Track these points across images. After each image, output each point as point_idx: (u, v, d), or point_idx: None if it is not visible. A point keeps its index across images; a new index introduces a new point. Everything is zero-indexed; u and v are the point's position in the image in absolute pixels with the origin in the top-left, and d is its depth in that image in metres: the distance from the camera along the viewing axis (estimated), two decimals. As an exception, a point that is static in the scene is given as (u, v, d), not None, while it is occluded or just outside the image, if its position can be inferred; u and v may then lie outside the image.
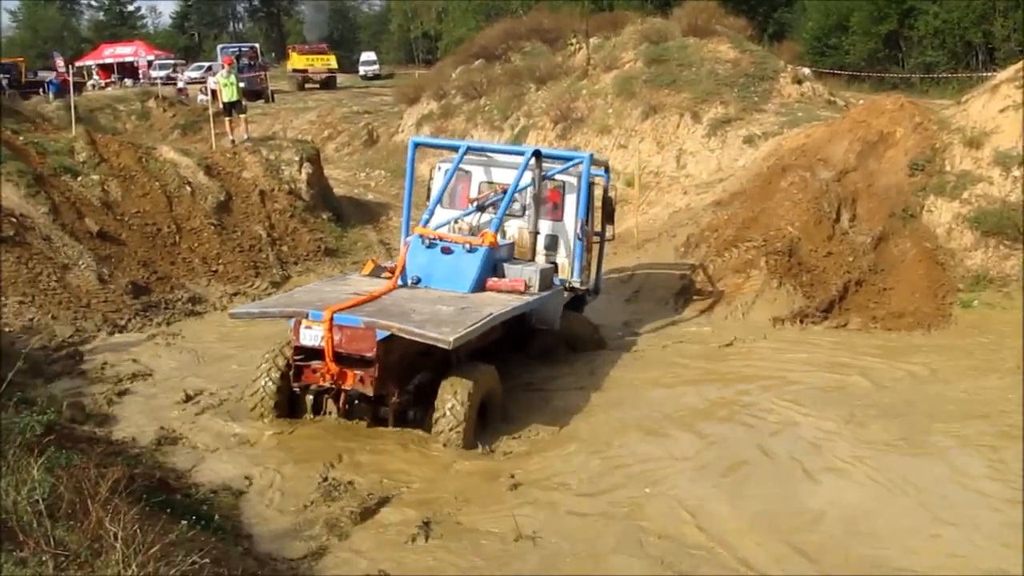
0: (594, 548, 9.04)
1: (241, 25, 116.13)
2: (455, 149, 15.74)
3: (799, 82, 28.95)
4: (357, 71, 71.91)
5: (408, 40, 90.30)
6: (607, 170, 16.99)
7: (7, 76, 47.85)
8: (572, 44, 34.80)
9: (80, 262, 17.45)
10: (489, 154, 15.98)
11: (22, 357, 10.68)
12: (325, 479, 10.35)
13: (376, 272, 13.79)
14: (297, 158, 24.40)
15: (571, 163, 15.25)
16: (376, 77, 69.65)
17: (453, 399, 11.19)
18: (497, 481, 10.51)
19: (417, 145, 16.58)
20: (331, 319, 10.97)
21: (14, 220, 17.51)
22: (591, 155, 15.48)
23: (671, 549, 8.95)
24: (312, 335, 11.07)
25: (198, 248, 20.03)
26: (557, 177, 15.05)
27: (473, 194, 15.09)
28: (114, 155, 21.17)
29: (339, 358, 11.02)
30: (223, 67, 27.50)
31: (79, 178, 19.93)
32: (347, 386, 11.22)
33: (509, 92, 34.22)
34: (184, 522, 6.86)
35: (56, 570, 5.22)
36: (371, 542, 9.13)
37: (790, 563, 8.77)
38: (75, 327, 15.87)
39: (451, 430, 11.11)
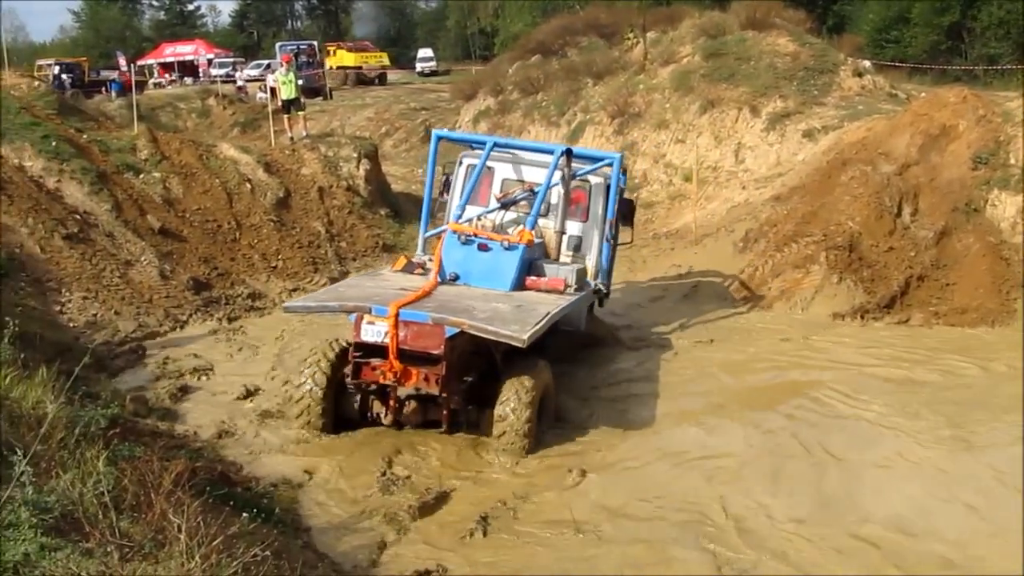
0: (653, 544, 9.00)
1: (299, 23, 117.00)
2: (479, 144, 15.37)
3: (859, 75, 28.58)
4: (414, 67, 72.30)
5: (465, 36, 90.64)
6: (624, 172, 16.48)
7: (71, 75, 48.62)
8: (629, 39, 34.68)
9: (142, 258, 17.68)
10: (513, 151, 15.23)
11: (88, 352, 10.85)
12: (383, 474, 10.39)
13: (408, 268, 13.45)
14: (355, 155, 24.54)
15: (600, 163, 14.78)
16: (433, 73, 70.23)
17: (514, 405, 10.89)
18: (555, 477, 10.49)
19: (440, 139, 15.89)
20: (396, 315, 10.69)
21: (78, 217, 17.82)
22: (621, 156, 15.08)
23: (729, 546, 8.89)
24: (375, 331, 10.74)
25: (258, 244, 20.21)
26: (585, 177, 14.57)
27: (496, 191, 14.56)
28: (175, 153, 21.46)
29: (402, 355, 10.74)
30: (282, 65, 27.70)
31: (141, 175, 20.22)
32: (410, 385, 10.94)
33: (566, 87, 34.18)
34: (245, 515, 6.89)
35: (121, 561, 5.27)
36: (429, 537, 9.16)
37: (849, 561, 8.67)
38: (137, 322, 16.06)
39: (514, 438, 10.87)
